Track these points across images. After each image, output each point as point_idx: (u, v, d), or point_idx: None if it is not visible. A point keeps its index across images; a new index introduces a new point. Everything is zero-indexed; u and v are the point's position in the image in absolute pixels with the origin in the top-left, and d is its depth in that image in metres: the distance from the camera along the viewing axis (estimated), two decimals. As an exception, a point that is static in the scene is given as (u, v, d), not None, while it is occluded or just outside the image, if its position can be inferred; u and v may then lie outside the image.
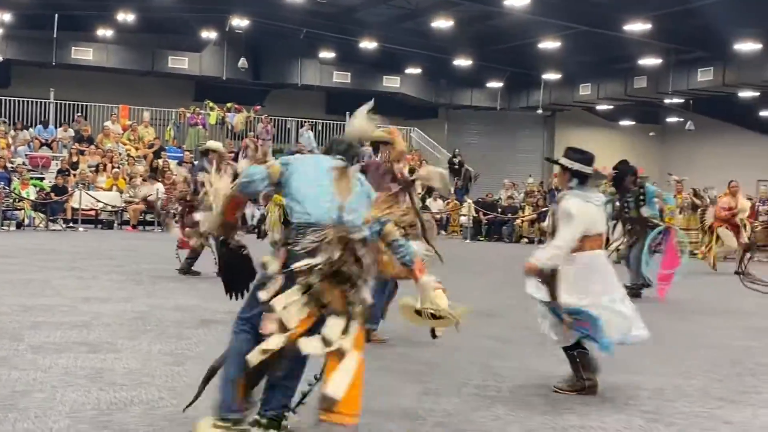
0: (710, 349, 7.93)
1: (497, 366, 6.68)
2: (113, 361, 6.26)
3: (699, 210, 21.50)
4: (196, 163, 13.29)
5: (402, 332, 7.97)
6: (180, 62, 29.75)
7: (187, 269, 11.97)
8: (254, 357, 4.25)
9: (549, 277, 5.72)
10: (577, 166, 5.92)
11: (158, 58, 29.62)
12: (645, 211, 11.37)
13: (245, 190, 4.75)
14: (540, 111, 34.32)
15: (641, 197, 11.36)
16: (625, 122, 36.54)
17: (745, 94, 29.06)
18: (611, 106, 34.18)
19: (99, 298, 9.46)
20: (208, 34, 29.16)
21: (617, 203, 11.58)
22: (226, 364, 4.53)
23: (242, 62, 28.50)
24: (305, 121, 29.90)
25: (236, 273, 5.01)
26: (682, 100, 31.32)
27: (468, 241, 24.55)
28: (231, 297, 5.08)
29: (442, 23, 25.17)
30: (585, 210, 5.82)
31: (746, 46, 24.03)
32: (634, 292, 11.35)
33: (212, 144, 12.71)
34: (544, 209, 24.88)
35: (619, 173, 11.28)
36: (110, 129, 26.39)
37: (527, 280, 5.85)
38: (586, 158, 5.95)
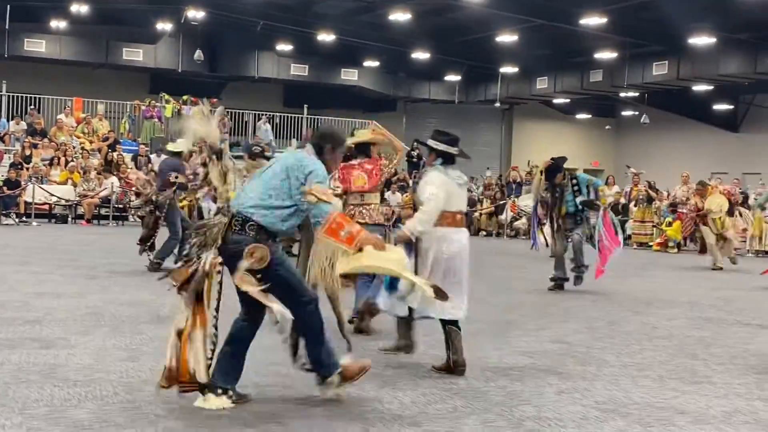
0: (665, 339, 8.02)
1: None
2: (67, 357, 6.17)
3: (654, 203, 21.88)
4: (162, 160, 13.13)
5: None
6: (135, 54, 29.40)
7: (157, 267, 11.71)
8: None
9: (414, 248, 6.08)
10: (442, 146, 6.30)
11: (113, 50, 29.24)
12: (580, 199, 11.48)
13: None
14: (498, 104, 34.47)
15: (575, 187, 11.50)
16: (582, 115, 36.84)
17: (699, 88, 29.44)
18: (568, 100, 34.43)
19: (52, 293, 9.32)
20: (164, 26, 28.84)
21: (550, 195, 11.74)
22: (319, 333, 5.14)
23: (198, 54, 28.26)
24: (262, 114, 29.74)
25: None
26: (637, 94, 31.65)
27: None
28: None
29: (400, 16, 25.16)
30: (443, 185, 6.12)
31: (700, 41, 24.32)
32: (558, 284, 11.55)
33: (180, 145, 12.55)
34: (502, 202, 25.04)
35: (553, 166, 11.46)
36: (64, 122, 26.01)
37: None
38: (451, 140, 6.35)
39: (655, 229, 21.85)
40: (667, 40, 25.62)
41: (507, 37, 26.82)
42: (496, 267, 14.70)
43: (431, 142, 6.33)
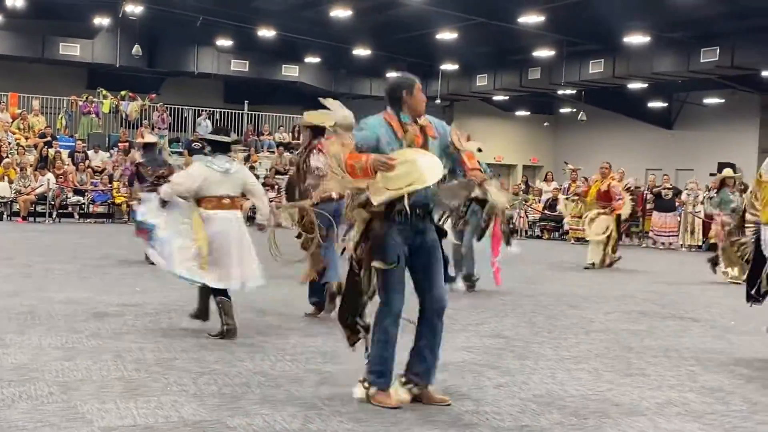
0: (600, 333, 8.16)
1: (394, 354, 6.71)
2: (1, 357, 6.07)
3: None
4: (142, 153, 13.31)
5: (295, 323, 7.99)
6: (71, 49, 28.88)
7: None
8: None
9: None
10: (211, 137, 7.46)
11: (49, 45, 28.70)
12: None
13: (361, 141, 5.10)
14: (438, 101, 34.59)
15: None
16: (521, 112, 37.18)
17: (635, 85, 29.91)
18: (507, 97, 34.71)
19: (-14, 292, 9.16)
20: (101, 21, 28.37)
21: None
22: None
23: (136, 49, 27.88)
24: (202, 110, 29.48)
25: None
26: (574, 92, 32.03)
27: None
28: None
29: (341, 13, 25.13)
30: (201, 171, 7.16)
31: (635, 39, 24.71)
32: (472, 282, 10.97)
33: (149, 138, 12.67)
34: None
35: None
36: (-1, 117, 25.52)
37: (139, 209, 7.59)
38: (222, 131, 7.59)
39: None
40: (603, 38, 25.99)
41: (447, 35, 26.96)
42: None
43: (203, 135, 7.06)
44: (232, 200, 7.22)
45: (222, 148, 7.28)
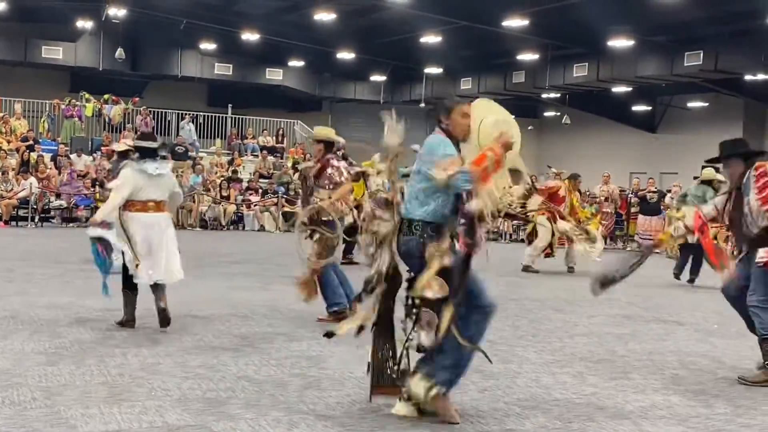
0: (584, 337, 8.18)
1: (379, 358, 6.70)
2: (-18, 362, 6.03)
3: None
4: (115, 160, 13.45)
5: (280, 328, 7.96)
6: (54, 52, 28.75)
7: None
8: None
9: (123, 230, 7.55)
10: (138, 143, 7.79)
11: (31, 48, 28.56)
12: None
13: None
14: (423, 104, 34.65)
15: None
16: (505, 116, 37.23)
17: (619, 89, 30.04)
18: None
19: (-32, 296, 9.09)
20: (84, 24, 28.24)
21: None
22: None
23: (119, 53, 27.78)
24: (186, 114, 29.38)
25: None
26: (558, 95, 32.14)
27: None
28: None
29: (325, 16, 25.11)
30: (132, 177, 7.49)
31: (619, 43, 24.80)
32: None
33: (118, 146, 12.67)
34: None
35: None
36: (-20, 121, 25.34)
37: (90, 229, 7.73)
38: (149, 137, 7.93)
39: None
40: (587, 42, 26.08)
41: (431, 38, 26.99)
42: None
43: (132, 142, 7.82)
44: (157, 204, 7.63)
45: (149, 154, 7.61)
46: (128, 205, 7.49)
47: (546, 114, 37.53)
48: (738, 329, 9.03)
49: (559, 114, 34.28)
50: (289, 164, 28.42)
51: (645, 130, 33.73)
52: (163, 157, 8.07)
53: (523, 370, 6.51)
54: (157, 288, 7.55)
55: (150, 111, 28.41)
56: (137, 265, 7.46)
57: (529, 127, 38.39)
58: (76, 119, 26.92)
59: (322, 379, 5.91)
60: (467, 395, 5.63)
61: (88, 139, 27.25)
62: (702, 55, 24.12)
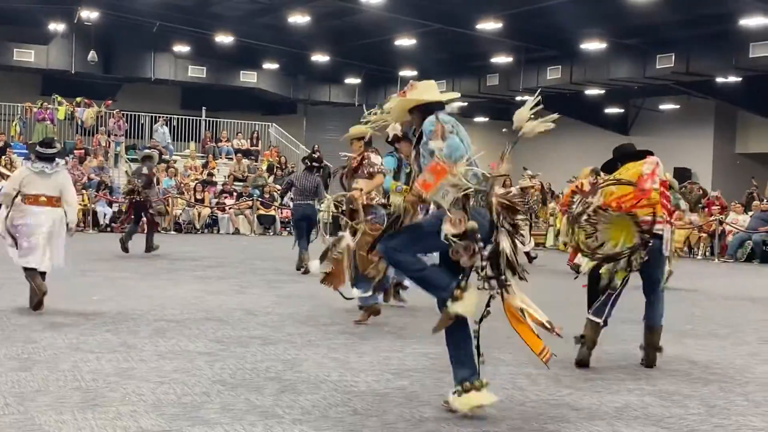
0: (560, 338, 8.18)
1: (353, 361, 6.71)
2: (-46, 369, 5.97)
3: (549, 204, 22.45)
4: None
5: (255, 331, 7.94)
6: (26, 55, 28.50)
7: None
8: None
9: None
10: (37, 149, 8.84)
11: (3, 51, 28.26)
12: None
13: None
14: (397, 107, 34.69)
15: None
16: (480, 118, 37.36)
17: (592, 92, 30.22)
18: (466, 103, 34.85)
19: (-61, 302, 8.99)
20: (56, 26, 28.04)
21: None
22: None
23: (92, 55, 27.59)
24: (160, 116, 29.23)
25: None
26: (532, 98, 32.22)
27: (328, 236, 24.52)
28: None
29: (299, 19, 25.08)
30: (21, 174, 8.81)
31: (592, 46, 24.95)
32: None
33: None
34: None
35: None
36: (-49, 124, 25.11)
37: None
38: (44, 143, 8.99)
39: (550, 228, 22.40)
40: (560, 45, 26.22)
41: (405, 41, 27.03)
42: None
43: (40, 150, 8.78)
44: (48, 199, 8.69)
45: (44, 158, 8.75)
46: (24, 197, 8.64)
47: (520, 116, 37.67)
48: (710, 329, 9.13)
49: (533, 116, 34.39)
50: (264, 167, 28.37)
51: (618, 132, 33.89)
52: (53, 159, 8.91)
53: (498, 372, 6.53)
54: (32, 271, 8.57)
55: (123, 114, 28.26)
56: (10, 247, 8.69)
57: (504, 130, 38.48)
58: (49, 122, 26.73)
59: (298, 383, 5.90)
60: (443, 398, 5.63)
61: (61, 143, 27.05)
62: (674, 57, 24.31)
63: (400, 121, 5.74)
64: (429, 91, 5.49)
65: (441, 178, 5.01)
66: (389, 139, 8.38)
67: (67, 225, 8.80)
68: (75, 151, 25.42)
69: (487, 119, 37.60)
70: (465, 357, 5.31)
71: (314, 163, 14.73)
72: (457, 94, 6.08)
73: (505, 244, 5.23)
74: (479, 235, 5.10)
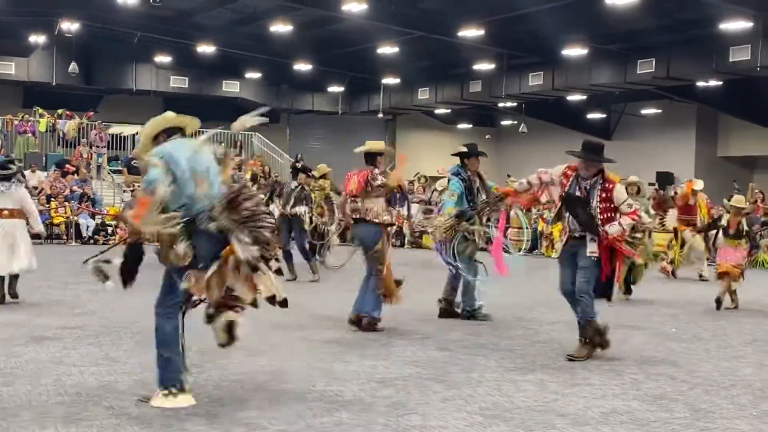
0: (545, 344, 8.21)
1: (339, 370, 6.69)
2: (-65, 385, 5.90)
3: (533, 210, 22.48)
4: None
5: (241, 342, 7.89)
6: (6, 67, 28.36)
7: None
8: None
9: None
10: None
11: (-18, 64, 28.19)
12: None
13: None
14: (380, 115, 34.71)
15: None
16: (463, 125, 37.42)
17: (573, 97, 30.32)
18: (449, 110, 34.94)
19: None
20: (37, 38, 27.90)
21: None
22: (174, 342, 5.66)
23: (73, 67, 27.46)
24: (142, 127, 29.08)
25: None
26: (515, 104, 32.33)
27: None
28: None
29: (281, 28, 25.04)
30: None
31: (573, 52, 25.03)
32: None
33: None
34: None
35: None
36: (-69, 138, 24.92)
37: None
38: (1, 165, 10.12)
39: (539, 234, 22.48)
40: (542, 51, 26.29)
41: (388, 49, 27.04)
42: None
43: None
44: (10, 211, 9.94)
45: (4, 176, 9.95)
46: None
47: (503, 123, 37.76)
48: (695, 333, 9.15)
49: (516, 122, 34.49)
50: (248, 176, 28.27)
51: (600, 137, 33.74)
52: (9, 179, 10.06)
53: (484, 378, 6.52)
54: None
55: (105, 125, 28.13)
56: None
57: (487, 136, 38.62)
58: (30, 135, 26.60)
59: (282, 394, 5.87)
60: (429, 405, 5.62)
61: (42, 155, 26.92)
62: (654, 62, 24.41)
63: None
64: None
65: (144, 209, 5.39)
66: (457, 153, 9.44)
67: (34, 231, 10.41)
68: (67, 166, 25.26)
69: (470, 126, 37.67)
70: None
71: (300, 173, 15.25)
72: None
73: (240, 251, 5.42)
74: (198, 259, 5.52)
